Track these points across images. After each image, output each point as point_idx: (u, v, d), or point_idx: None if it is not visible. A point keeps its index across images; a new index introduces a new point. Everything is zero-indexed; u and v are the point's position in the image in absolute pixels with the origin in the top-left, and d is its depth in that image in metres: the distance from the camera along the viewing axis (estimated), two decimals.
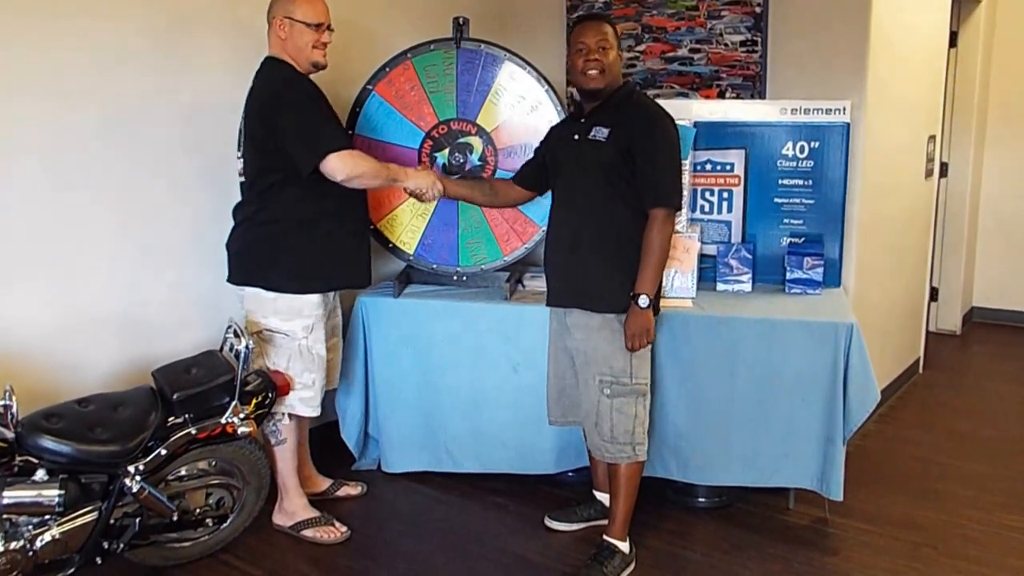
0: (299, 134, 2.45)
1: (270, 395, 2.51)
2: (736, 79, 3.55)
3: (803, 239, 3.08)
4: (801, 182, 3.07)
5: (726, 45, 3.55)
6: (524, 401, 2.90)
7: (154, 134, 2.71)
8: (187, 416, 2.35)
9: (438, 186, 2.69)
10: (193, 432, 2.35)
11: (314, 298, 2.63)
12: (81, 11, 2.48)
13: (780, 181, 3.09)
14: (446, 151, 3.03)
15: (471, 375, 2.96)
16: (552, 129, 2.73)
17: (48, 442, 2.11)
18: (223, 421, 2.38)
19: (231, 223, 2.66)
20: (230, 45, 2.86)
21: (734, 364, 2.69)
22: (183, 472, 2.45)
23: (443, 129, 3.02)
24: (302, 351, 2.65)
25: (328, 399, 2.93)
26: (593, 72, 2.42)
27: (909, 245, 4.13)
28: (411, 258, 3.11)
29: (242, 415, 2.40)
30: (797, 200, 3.09)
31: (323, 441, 3.18)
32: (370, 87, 3.00)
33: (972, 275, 5.44)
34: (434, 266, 3.11)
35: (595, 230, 2.44)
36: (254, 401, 2.46)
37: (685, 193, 2.76)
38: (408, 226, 3.08)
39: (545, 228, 2.72)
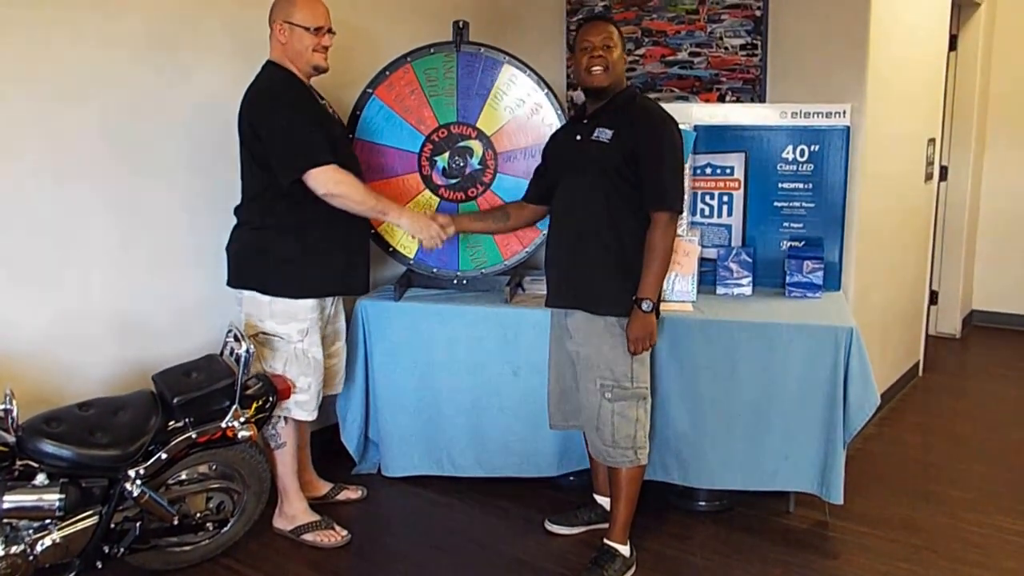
0: (283, 144, 2.43)
1: (271, 399, 2.51)
2: (736, 83, 3.55)
3: (803, 242, 3.08)
4: (801, 185, 3.07)
5: (726, 49, 3.56)
6: (525, 405, 2.90)
7: (156, 138, 2.71)
8: (188, 420, 2.35)
9: (440, 238, 2.67)
10: (193, 436, 2.35)
11: (309, 302, 2.62)
12: (81, 11, 2.49)
13: (780, 185, 3.09)
14: (446, 155, 3.03)
15: (471, 379, 2.96)
16: (552, 136, 2.73)
17: (49, 446, 2.11)
18: (223, 425, 2.38)
19: (232, 226, 2.65)
20: (233, 47, 2.87)
21: (734, 367, 2.69)
22: (183, 476, 2.45)
23: (443, 133, 3.02)
24: (298, 355, 2.65)
25: (328, 403, 2.93)
26: (598, 69, 2.43)
27: (909, 248, 4.14)
28: (411, 262, 3.11)
29: (242, 419, 2.40)
30: (797, 203, 3.09)
31: (323, 445, 3.18)
32: (370, 91, 3.00)
33: (972, 278, 5.44)
34: (434, 270, 3.11)
35: (596, 231, 2.44)
36: (254, 405, 2.46)
37: (686, 197, 2.76)
38: None
39: (545, 232, 2.72)
